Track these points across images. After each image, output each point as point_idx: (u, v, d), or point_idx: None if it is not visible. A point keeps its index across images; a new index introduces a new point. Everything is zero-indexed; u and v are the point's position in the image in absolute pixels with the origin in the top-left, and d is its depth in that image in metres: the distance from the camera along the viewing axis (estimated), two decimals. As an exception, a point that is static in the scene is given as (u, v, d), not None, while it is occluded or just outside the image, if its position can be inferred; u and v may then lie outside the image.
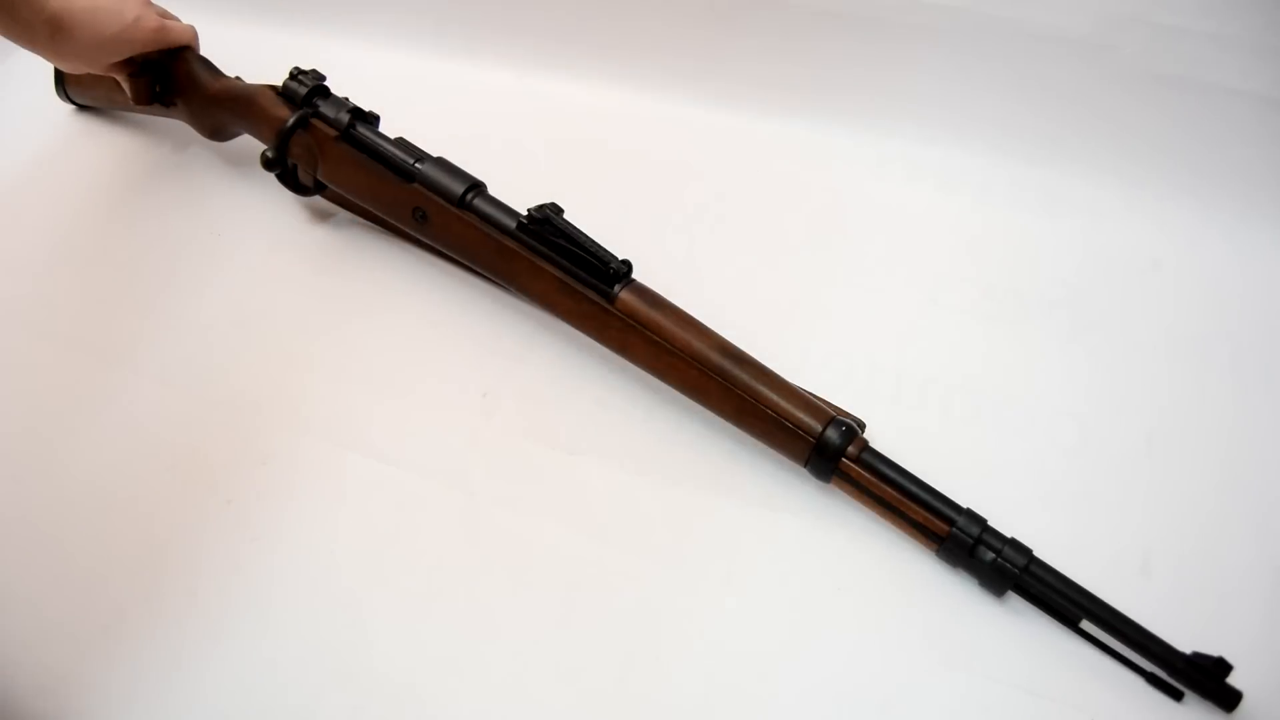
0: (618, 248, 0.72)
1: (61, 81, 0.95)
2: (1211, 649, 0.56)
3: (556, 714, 0.59)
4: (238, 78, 0.86)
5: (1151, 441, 0.70)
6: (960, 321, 0.78)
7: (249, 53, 0.91)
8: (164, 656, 0.62)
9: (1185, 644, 0.57)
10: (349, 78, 0.98)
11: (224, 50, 0.90)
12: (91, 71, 0.83)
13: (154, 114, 0.91)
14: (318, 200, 0.86)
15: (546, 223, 0.68)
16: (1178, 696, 0.57)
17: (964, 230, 0.85)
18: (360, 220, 0.86)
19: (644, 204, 0.88)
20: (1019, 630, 0.61)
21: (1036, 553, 0.60)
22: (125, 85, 0.85)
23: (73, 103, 0.98)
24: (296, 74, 0.81)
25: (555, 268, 0.70)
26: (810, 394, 0.66)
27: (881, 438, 0.67)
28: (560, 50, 0.99)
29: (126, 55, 0.81)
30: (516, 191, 0.75)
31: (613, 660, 0.61)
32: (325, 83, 0.81)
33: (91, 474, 0.71)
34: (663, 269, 0.78)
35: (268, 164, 0.80)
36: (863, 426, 0.65)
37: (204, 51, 0.88)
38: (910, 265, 0.82)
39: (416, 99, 0.99)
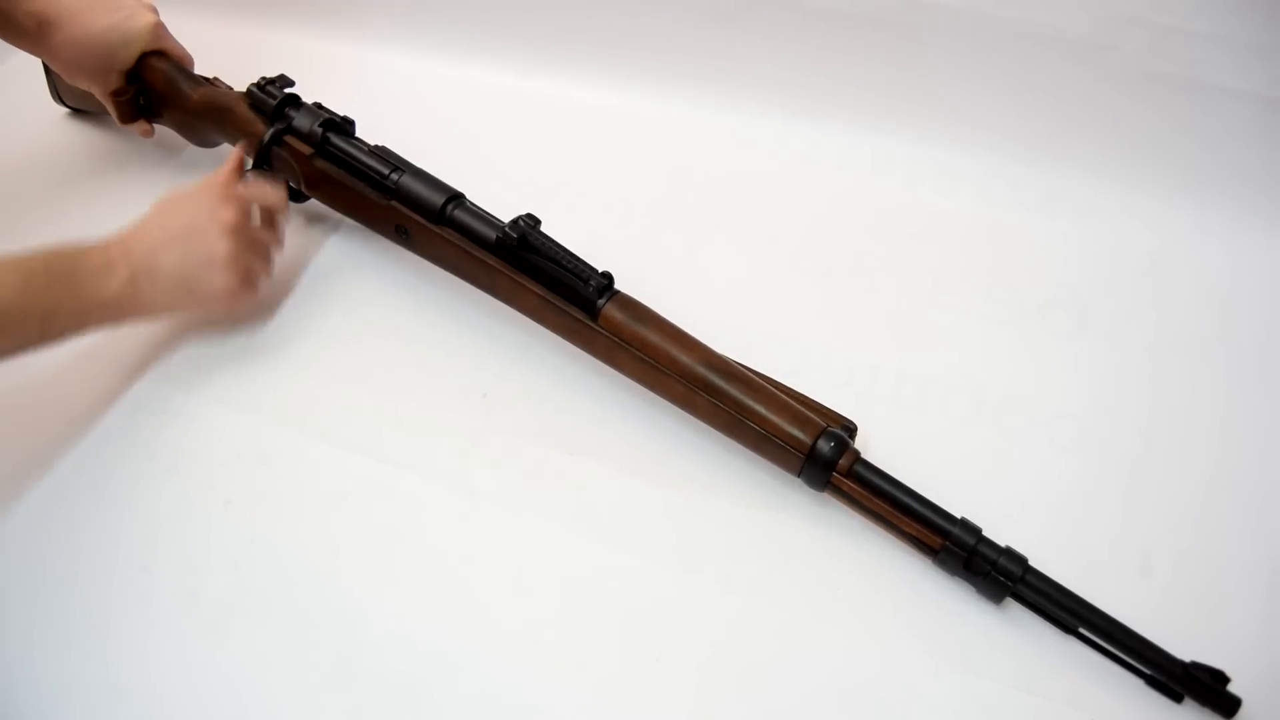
0: (616, 248, 0.72)
1: (55, 85, 0.95)
2: (1211, 650, 0.56)
3: (554, 713, 0.59)
4: (215, 79, 0.86)
5: (1150, 442, 0.70)
6: (958, 322, 0.78)
7: (242, 52, 0.91)
8: (163, 657, 0.62)
9: (1184, 645, 0.57)
10: (348, 78, 0.98)
11: (219, 51, 0.90)
12: (85, 80, 0.82)
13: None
14: (314, 202, 0.86)
15: (523, 239, 0.67)
16: (1177, 698, 0.57)
17: (962, 230, 0.85)
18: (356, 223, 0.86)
19: (643, 204, 0.88)
20: (1018, 632, 0.61)
21: (1036, 553, 0.60)
22: (110, 106, 0.84)
23: (66, 106, 0.98)
24: (263, 84, 0.79)
25: (536, 284, 0.69)
26: (803, 399, 0.66)
27: (879, 438, 0.67)
28: (559, 50, 0.99)
29: (124, 55, 0.81)
30: (511, 194, 0.75)
31: (611, 660, 0.61)
32: (293, 89, 0.80)
33: (90, 474, 0.71)
34: (662, 269, 0.79)
35: None
36: (853, 432, 0.65)
37: (198, 53, 0.88)
38: (909, 265, 0.83)
39: (414, 99, 0.99)
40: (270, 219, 0.77)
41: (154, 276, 0.68)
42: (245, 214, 0.73)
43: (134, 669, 0.62)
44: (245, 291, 0.73)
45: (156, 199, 0.72)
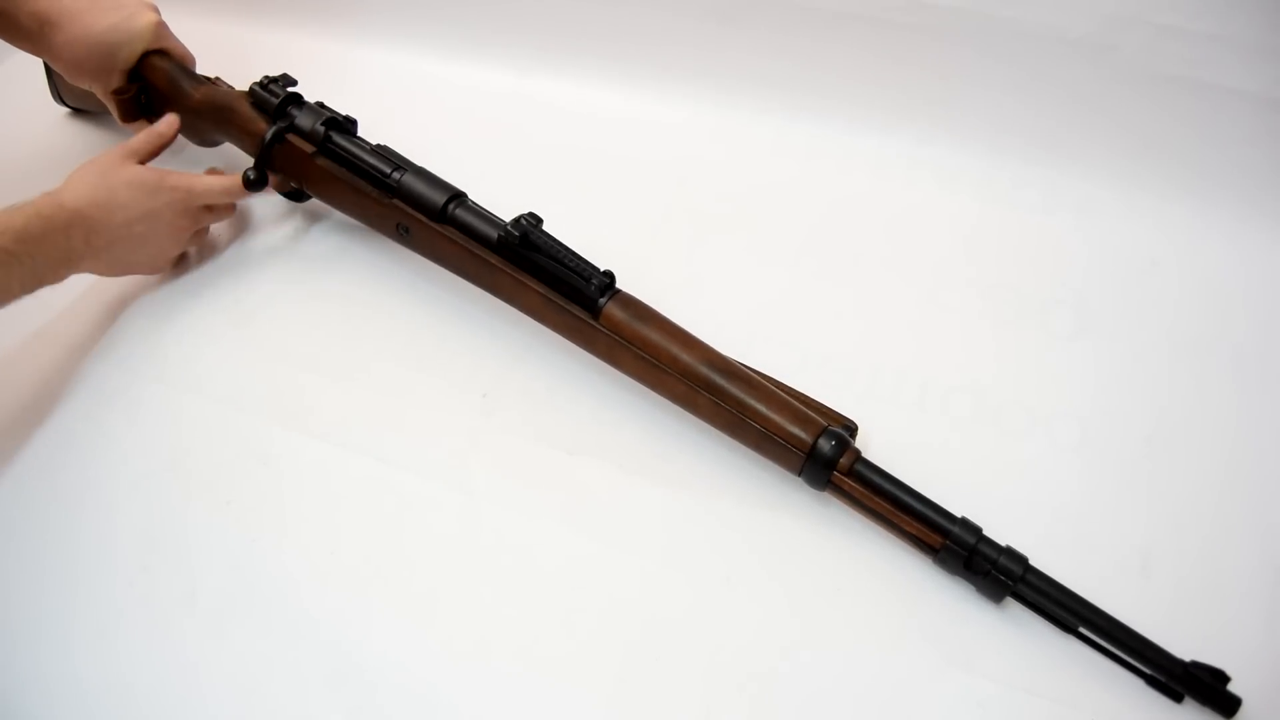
0: (617, 248, 0.72)
1: (55, 85, 0.95)
2: (1212, 650, 0.56)
3: (555, 714, 0.59)
4: (217, 78, 0.86)
5: (1151, 441, 0.70)
6: (960, 321, 0.78)
7: (244, 51, 0.91)
8: (163, 657, 0.62)
9: (1184, 645, 0.57)
10: (350, 77, 0.98)
11: (220, 50, 0.90)
12: (87, 80, 0.82)
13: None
14: (314, 201, 0.86)
15: (524, 237, 0.67)
16: (1177, 698, 0.57)
17: (964, 230, 0.85)
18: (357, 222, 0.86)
19: (644, 203, 0.88)
20: (1018, 631, 0.61)
21: (1036, 552, 0.60)
22: (111, 105, 0.84)
23: (67, 105, 0.98)
24: (266, 83, 0.80)
25: (537, 282, 0.69)
26: (804, 398, 0.66)
27: (880, 438, 0.67)
28: (560, 49, 0.99)
29: (125, 55, 0.81)
30: (513, 192, 0.75)
31: (612, 660, 0.61)
32: (295, 88, 0.80)
33: (90, 474, 0.71)
34: (662, 269, 0.79)
35: (249, 184, 0.79)
36: (853, 431, 0.65)
37: (200, 52, 0.88)
38: (910, 265, 0.83)
39: (416, 98, 0.99)
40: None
41: (101, 255, 0.73)
42: (200, 227, 0.82)
43: (134, 669, 0.62)
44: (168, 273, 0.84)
45: (133, 173, 0.75)
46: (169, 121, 0.81)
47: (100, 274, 0.76)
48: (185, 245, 0.82)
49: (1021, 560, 0.59)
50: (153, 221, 0.75)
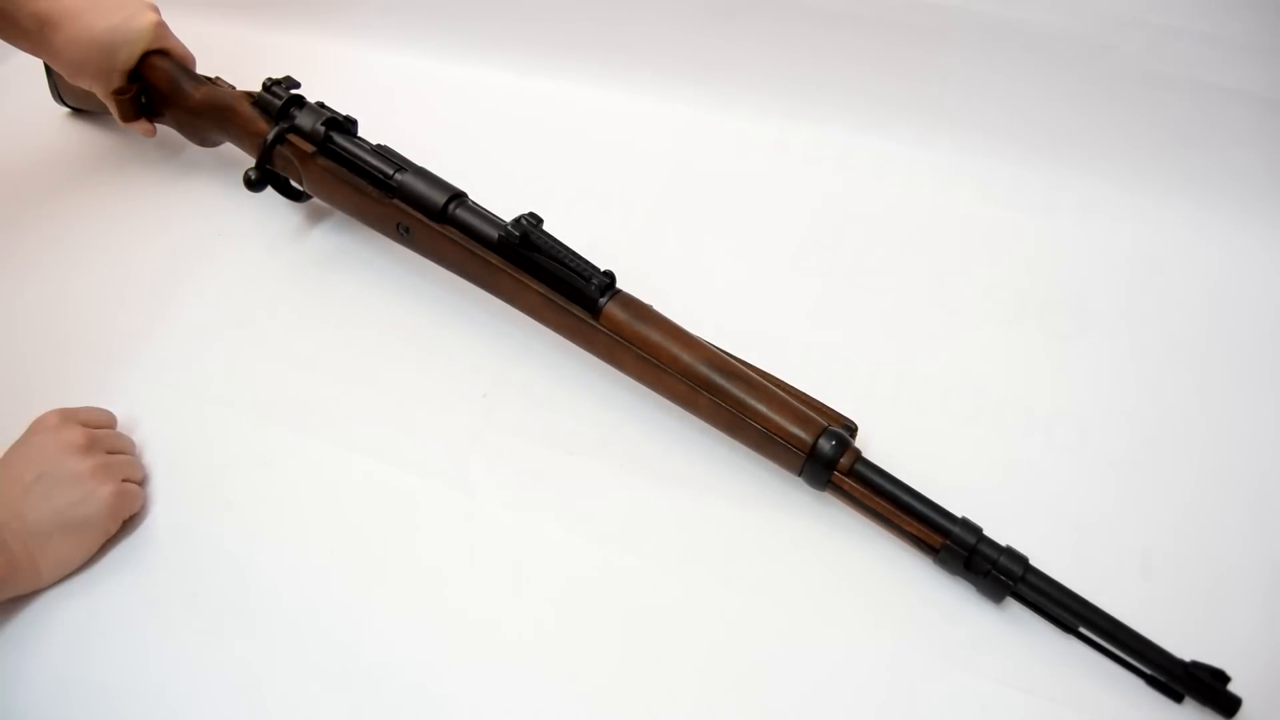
0: (617, 248, 0.72)
1: (56, 85, 0.95)
2: (1212, 650, 0.56)
3: (554, 714, 0.59)
4: (218, 78, 0.86)
5: (1150, 441, 0.70)
6: (959, 321, 0.78)
7: (244, 52, 0.91)
8: (164, 658, 0.62)
9: (1185, 645, 0.57)
10: (350, 77, 0.98)
11: (220, 50, 0.90)
12: (88, 80, 0.82)
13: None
14: (315, 202, 0.86)
15: (525, 237, 0.67)
16: (1178, 698, 0.57)
17: (963, 230, 0.85)
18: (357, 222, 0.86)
19: (644, 203, 0.89)
20: (1019, 631, 0.61)
21: (1036, 552, 0.60)
22: (111, 105, 0.84)
23: (67, 106, 0.98)
24: (270, 85, 0.80)
25: (538, 282, 0.69)
26: (805, 398, 0.66)
27: (880, 438, 0.67)
28: (559, 51, 0.99)
29: (126, 55, 0.81)
30: (513, 192, 0.75)
31: (611, 661, 0.61)
32: (299, 90, 0.80)
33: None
34: (663, 268, 0.79)
35: (250, 185, 0.79)
36: (854, 431, 0.65)
37: (200, 53, 0.88)
38: (910, 265, 0.83)
39: (416, 99, 0.99)
40: (110, 434, 0.70)
41: (33, 535, 0.61)
42: (86, 430, 0.67)
43: (135, 669, 0.62)
44: (128, 500, 0.66)
45: None
46: None
47: (50, 568, 0.63)
48: (112, 465, 0.66)
49: (1021, 560, 0.59)
50: (41, 456, 0.64)
